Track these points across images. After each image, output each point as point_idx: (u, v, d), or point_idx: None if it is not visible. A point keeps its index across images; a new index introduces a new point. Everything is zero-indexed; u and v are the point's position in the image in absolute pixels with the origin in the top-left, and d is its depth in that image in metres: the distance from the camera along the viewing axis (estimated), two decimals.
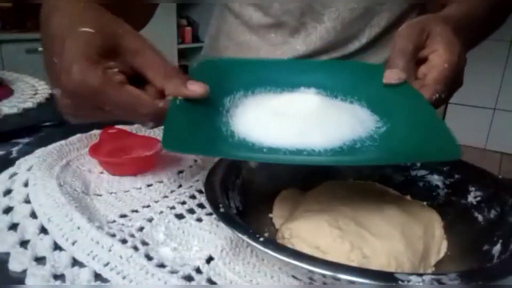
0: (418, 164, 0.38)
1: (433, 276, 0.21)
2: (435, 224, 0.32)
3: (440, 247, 0.31)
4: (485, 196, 0.32)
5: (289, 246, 0.29)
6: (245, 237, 0.25)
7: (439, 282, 0.21)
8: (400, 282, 0.21)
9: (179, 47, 3.17)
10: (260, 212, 0.35)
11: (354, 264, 0.27)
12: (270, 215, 0.36)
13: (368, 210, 0.32)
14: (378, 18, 0.56)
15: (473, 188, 0.33)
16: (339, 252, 0.28)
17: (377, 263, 0.27)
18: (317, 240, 0.29)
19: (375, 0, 0.55)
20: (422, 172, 0.38)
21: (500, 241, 0.28)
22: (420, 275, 0.22)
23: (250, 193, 0.35)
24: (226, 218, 0.27)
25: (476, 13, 0.47)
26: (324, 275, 0.22)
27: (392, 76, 0.35)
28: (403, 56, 0.36)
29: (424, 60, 0.37)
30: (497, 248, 0.28)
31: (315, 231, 0.29)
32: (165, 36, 3.00)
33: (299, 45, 0.58)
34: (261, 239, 0.24)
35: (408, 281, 0.21)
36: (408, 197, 0.36)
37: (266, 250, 0.24)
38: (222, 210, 0.28)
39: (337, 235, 0.29)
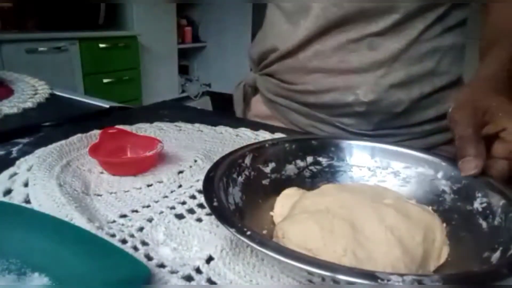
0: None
1: (414, 277, 0.21)
2: (436, 229, 0.32)
3: (440, 252, 0.31)
4: (490, 203, 0.32)
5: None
6: (233, 230, 0.25)
7: (420, 282, 0.21)
8: (379, 280, 0.21)
9: (179, 47, 3.17)
10: (261, 210, 0.35)
11: None
12: (272, 213, 0.36)
13: (366, 214, 0.31)
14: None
15: (479, 195, 0.33)
16: (330, 256, 0.27)
17: (371, 268, 0.27)
18: (307, 243, 0.28)
19: None
20: (428, 175, 0.38)
21: (500, 248, 0.27)
22: (402, 275, 0.21)
23: (251, 190, 0.35)
24: (220, 213, 0.27)
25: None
26: (306, 271, 0.22)
27: (469, 166, 0.34)
28: (469, 142, 0.34)
29: (492, 137, 0.36)
30: (496, 256, 0.27)
31: (305, 234, 0.29)
32: (165, 36, 3.00)
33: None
34: (248, 232, 0.24)
35: (388, 280, 0.21)
36: (414, 201, 0.36)
37: (252, 244, 0.24)
38: (215, 203, 0.28)
39: (329, 239, 0.28)
